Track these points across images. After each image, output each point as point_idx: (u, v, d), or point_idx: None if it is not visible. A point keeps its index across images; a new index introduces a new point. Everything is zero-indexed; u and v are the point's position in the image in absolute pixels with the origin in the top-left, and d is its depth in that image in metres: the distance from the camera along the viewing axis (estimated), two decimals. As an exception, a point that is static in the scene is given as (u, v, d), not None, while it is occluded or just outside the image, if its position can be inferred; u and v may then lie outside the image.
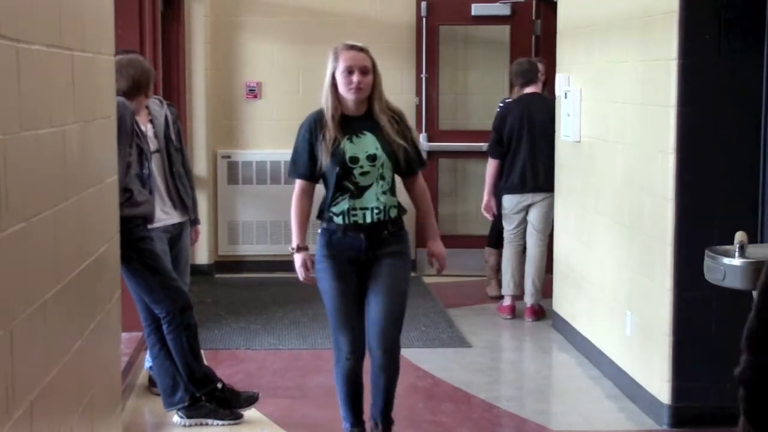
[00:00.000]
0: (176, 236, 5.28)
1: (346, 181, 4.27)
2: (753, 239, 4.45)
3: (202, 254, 8.49)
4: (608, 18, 5.77)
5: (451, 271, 8.45)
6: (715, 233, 4.64)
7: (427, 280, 8.19)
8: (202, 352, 5.07)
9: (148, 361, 5.28)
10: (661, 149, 4.86)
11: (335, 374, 4.44)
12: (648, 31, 5.06)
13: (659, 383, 4.95)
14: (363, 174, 4.27)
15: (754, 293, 1.68)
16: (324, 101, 4.30)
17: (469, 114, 8.98)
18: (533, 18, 8.68)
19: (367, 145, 4.28)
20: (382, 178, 4.29)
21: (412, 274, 6.76)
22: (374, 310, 4.32)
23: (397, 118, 4.36)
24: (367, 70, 4.25)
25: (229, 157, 8.68)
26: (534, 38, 8.67)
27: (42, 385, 2.43)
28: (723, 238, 4.29)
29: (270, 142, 8.66)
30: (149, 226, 4.81)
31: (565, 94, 6.53)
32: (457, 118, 8.98)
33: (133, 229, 4.59)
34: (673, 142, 4.75)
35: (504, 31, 8.76)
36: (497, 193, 7.30)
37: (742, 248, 3.80)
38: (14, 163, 2.21)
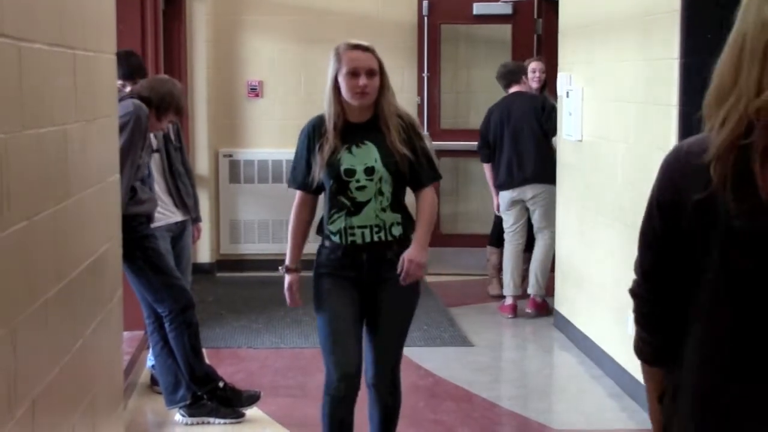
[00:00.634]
0: (178, 235, 5.30)
1: (341, 196, 3.79)
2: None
3: (203, 253, 8.49)
4: (610, 17, 5.77)
5: (453, 270, 8.52)
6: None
7: (428, 279, 8.19)
8: (204, 350, 5.07)
9: (150, 360, 5.29)
10: (663, 148, 4.85)
11: (321, 408, 3.89)
12: (650, 30, 5.06)
13: (661, 382, 4.94)
14: (359, 188, 3.78)
15: None
16: (327, 107, 3.80)
17: (470, 113, 8.97)
18: (535, 17, 8.69)
19: (366, 156, 3.78)
20: (381, 193, 3.79)
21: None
22: (374, 340, 3.89)
23: (406, 125, 3.85)
24: (373, 72, 3.74)
25: (230, 155, 8.68)
26: (536, 37, 8.68)
27: (44, 383, 2.43)
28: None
29: (272, 140, 8.66)
30: (151, 225, 4.82)
31: (567, 93, 6.53)
32: (459, 118, 8.98)
33: (137, 227, 4.60)
34: (675, 141, 4.75)
35: (506, 30, 8.77)
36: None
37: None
38: (16, 162, 2.21)
